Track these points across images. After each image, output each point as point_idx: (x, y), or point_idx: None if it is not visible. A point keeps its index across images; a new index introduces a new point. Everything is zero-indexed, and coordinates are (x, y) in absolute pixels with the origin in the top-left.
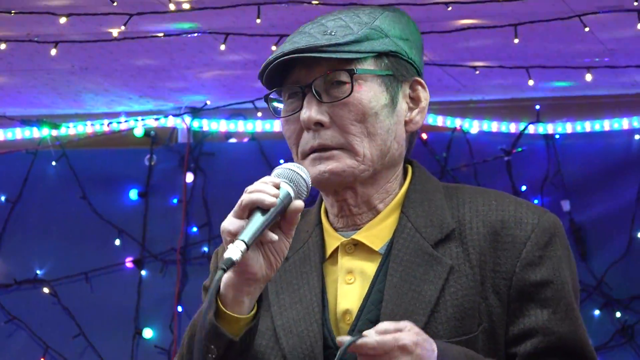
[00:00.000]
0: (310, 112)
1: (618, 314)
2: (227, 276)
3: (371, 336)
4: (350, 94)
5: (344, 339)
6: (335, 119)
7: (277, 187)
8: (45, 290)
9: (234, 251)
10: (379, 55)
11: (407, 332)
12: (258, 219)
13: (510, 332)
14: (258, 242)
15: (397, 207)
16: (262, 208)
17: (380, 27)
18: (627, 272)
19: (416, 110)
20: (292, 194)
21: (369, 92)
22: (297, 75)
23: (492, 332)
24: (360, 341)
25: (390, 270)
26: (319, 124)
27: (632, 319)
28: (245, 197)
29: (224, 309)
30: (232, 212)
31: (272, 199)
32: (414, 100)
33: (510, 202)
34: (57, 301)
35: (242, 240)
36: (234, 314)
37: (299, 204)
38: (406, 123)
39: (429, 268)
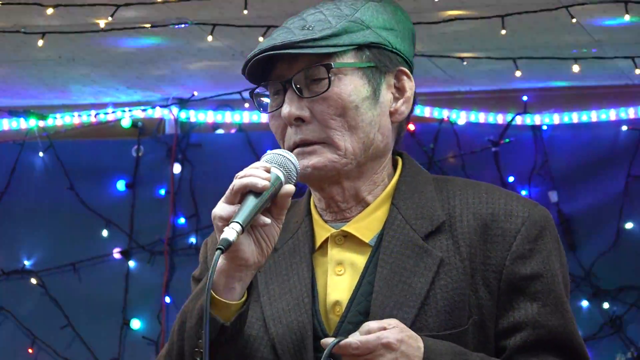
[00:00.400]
0: (290, 108)
1: (606, 305)
2: (219, 263)
3: (355, 337)
4: (328, 89)
5: (327, 340)
6: (316, 114)
7: (268, 171)
8: (33, 281)
9: (229, 232)
10: (360, 47)
11: (391, 330)
12: (251, 202)
13: (500, 325)
14: (250, 227)
15: (387, 199)
16: (255, 192)
17: (361, 19)
18: (615, 263)
19: (401, 101)
20: (283, 179)
21: (349, 86)
22: (280, 70)
23: (482, 324)
24: (343, 342)
25: (381, 262)
26: (300, 119)
27: (620, 310)
28: (237, 182)
29: (215, 295)
30: (223, 198)
31: (265, 182)
32: (399, 90)
33: (500, 195)
34: (44, 292)
35: (237, 222)
36: (226, 300)
37: (289, 188)
38: (391, 114)
39: (419, 260)
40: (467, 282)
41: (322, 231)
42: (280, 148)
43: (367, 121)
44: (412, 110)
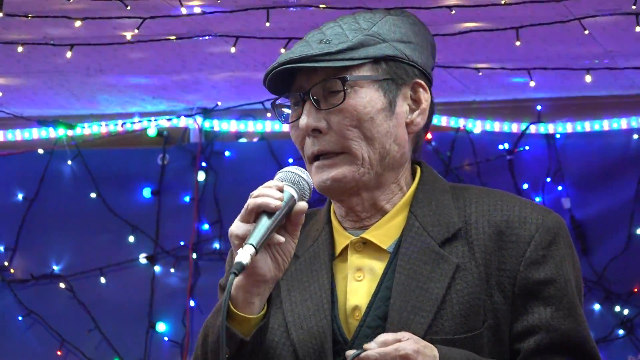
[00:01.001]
0: (308, 119)
1: (618, 308)
2: (237, 279)
3: (372, 348)
4: (343, 101)
5: (349, 353)
6: (333, 125)
7: (281, 190)
8: (62, 285)
9: (243, 255)
10: (376, 60)
11: (407, 342)
12: (264, 223)
13: (514, 329)
14: (266, 244)
15: (406, 207)
16: (268, 211)
17: (378, 32)
18: (626, 267)
19: (417, 112)
20: (296, 196)
21: (364, 98)
22: (299, 82)
23: (497, 328)
24: (363, 355)
25: (398, 268)
26: (317, 131)
27: (632, 313)
28: (251, 202)
29: (234, 310)
30: (238, 217)
31: (277, 202)
32: (415, 102)
33: (515, 203)
34: (72, 296)
35: (251, 244)
36: (245, 314)
37: (302, 205)
38: (407, 125)
39: (435, 266)
40: (482, 287)
41: (342, 238)
42: (301, 157)
43: (383, 132)
44: (429, 120)
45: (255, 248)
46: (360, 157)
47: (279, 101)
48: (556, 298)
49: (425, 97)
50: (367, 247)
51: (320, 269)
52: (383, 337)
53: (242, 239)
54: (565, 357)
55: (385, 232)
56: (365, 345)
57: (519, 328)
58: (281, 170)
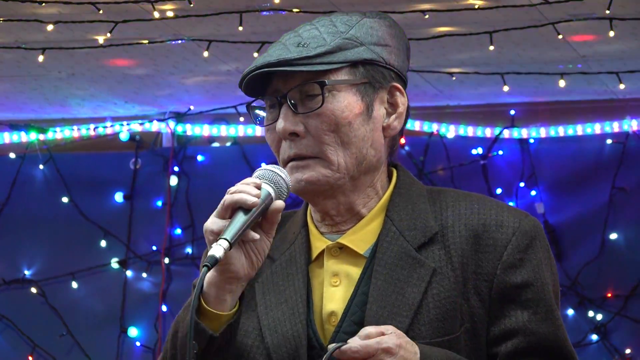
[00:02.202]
0: (285, 123)
1: (591, 313)
2: (210, 275)
3: (355, 341)
4: (322, 105)
5: (331, 346)
6: (310, 129)
7: (259, 187)
8: (33, 290)
9: (217, 249)
10: (354, 64)
11: (389, 335)
12: (240, 219)
13: (492, 333)
14: (240, 241)
15: (382, 211)
16: (244, 208)
17: (356, 36)
18: (600, 273)
19: (394, 116)
20: (273, 195)
21: (342, 102)
22: (276, 85)
23: (474, 332)
24: (344, 347)
25: (375, 273)
26: (294, 134)
27: (605, 318)
28: (228, 198)
29: (206, 306)
30: (214, 213)
31: (254, 199)
32: (392, 106)
33: (492, 206)
34: (44, 301)
35: (225, 239)
36: (216, 311)
37: (279, 204)
38: (384, 129)
39: (412, 271)
40: (459, 291)
41: (319, 243)
42: (274, 162)
43: (360, 137)
44: (405, 124)
45: (229, 242)
46: (336, 163)
47: (254, 103)
48: (533, 301)
49: (402, 100)
50: (344, 252)
51: (296, 273)
52: (367, 330)
53: (217, 235)
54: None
55: (362, 237)
56: (349, 340)
57: (496, 332)
58: (260, 168)
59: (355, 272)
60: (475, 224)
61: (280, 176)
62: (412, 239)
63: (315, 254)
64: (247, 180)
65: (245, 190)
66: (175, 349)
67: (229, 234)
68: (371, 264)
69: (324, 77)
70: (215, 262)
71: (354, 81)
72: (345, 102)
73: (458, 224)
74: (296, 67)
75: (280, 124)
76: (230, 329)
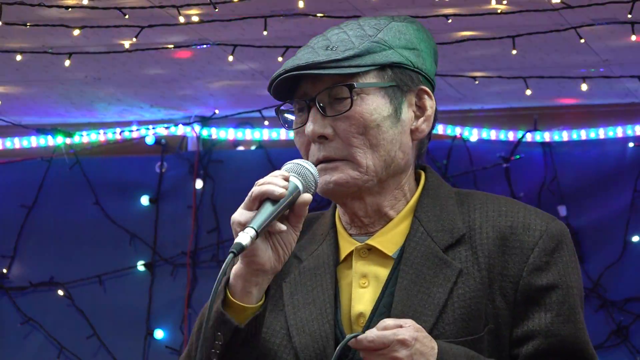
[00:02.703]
0: (314, 126)
1: (613, 315)
2: (236, 267)
3: (371, 332)
4: (350, 108)
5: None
6: (339, 132)
7: (287, 180)
8: (60, 292)
9: (243, 237)
10: (382, 67)
11: (407, 328)
12: (267, 209)
13: (514, 334)
14: (267, 233)
15: (410, 213)
16: (272, 199)
17: (384, 39)
18: (621, 275)
19: (422, 119)
20: (301, 188)
21: (371, 105)
22: (305, 88)
23: (498, 333)
24: (360, 336)
25: (401, 273)
26: (323, 137)
27: (627, 320)
28: (256, 189)
29: (232, 298)
30: (242, 205)
31: (282, 190)
32: (420, 109)
33: (519, 209)
34: (71, 303)
35: (252, 227)
36: (242, 303)
37: (307, 197)
38: (412, 132)
39: (438, 271)
40: (485, 292)
41: (347, 244)
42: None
43: (389, 139)
44: (433, 127)
45: (255, 231)
46: (364, 165)
47: (282, 107)
48: (557, 304)
49: (430, 103)
50: (372, 253)
51: (324, 274)
52: (385, 322)
53: (244, 226)
54: None
55: (390, 238)
56: (367, 332)
57: (518, 333)
58: (288, 162)
59: (384, 273)
60: (502, 226)
61: (309, 170)
62: (439, 240)
63: (343, 255)
64: (276, 172)
65: (273, 182)
66: (199, 341)
67: (256, 222)
68: (399, 265)
69: (352, 80)
70: (241, 249)
71: (383, 84)
72: (374, 105)
73: (485, 226)
74: (325, 70)
75: (309, 127)
76: (256, 321)
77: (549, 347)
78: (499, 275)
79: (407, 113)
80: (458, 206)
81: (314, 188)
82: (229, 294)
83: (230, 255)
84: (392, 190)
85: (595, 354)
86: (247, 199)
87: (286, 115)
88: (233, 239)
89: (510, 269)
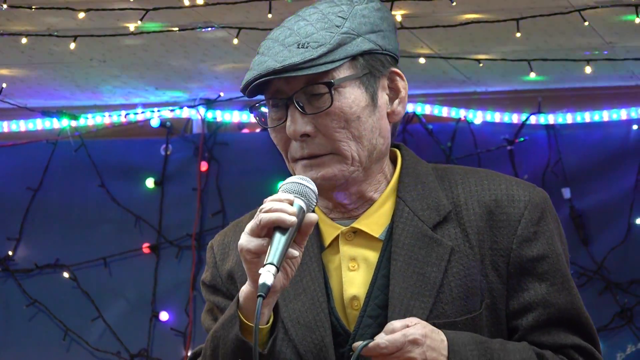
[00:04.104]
0: (295, 125)
1: (617, 297)
2: (246, 290)
3: (381, 337)
4: (331, 105)
5: (357, 344)
6: (320, 128)
7: (291, 204)
8: (65, 274)
9: (267, 277)
10: (354, 57)
11: (415, 327)
12: (281, 240)
13: (511, 307)
14: None
15: (393, 193)
16: (282, 227)
17: (352, 28)
18: (626, 257)
19: (397, 101)
20: (305, 208)
21: (349, 98)
22: (278, 85)
23: (494, 307)
24: (372, 344)
25: (394, 255)
26: (305, 135)
27: (631, 302)
28: (264, 217)
29: (246, 321)
30: (248, 231)
31: (292, 218)
32: (393, 91)
33: (501, 181)
34: (76, 285)
35: (272, 264)
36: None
37: (313, 217)
38: (388, 115)
39: (430, 250)
40: (478, 268)
41: (330, 229)
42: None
43: (369, 128)
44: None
45: (277, 267)
46: (350, 157)
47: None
48: (550, 273)
49: (402, 84)
50: (358, 236)
51: (311, 262)
52: (392, 325)
53: (255, 254)
54: (562, 329)
55: (375, 220)
56: (375, 338)
57: (515, 305)
58: (286, 182)
59: (373, 255)
60: (487, 200)
61: (309, 187)
62: (426, 218)
63: (328, 240)
64: (280, 196)
65: (282, 209)
66: None
67: (275, 258)
68: (388, 247)
69: (328, 76)
70: (268, 290)
71: (357, 75)
72: (352, 97)
73: (471, 201)
74: (302, 72)
75: (290, 127)
76: (274, 343)
77: (548, 317)
78: (490, 250)
79: (382, 98)
80: (439, 182)
81: (315, 204)
82: (242, 318)
83: (260, 299)
84: (375, 175)
85: (589, 317)
86: (254, 225)
87: (261, 109)
88: None
89: (500, 242)
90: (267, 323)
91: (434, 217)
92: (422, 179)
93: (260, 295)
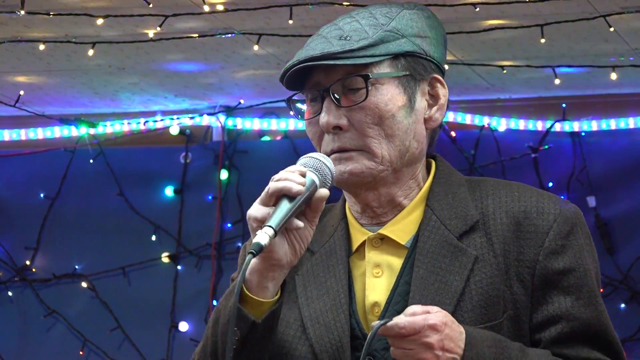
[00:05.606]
0: (328, 116)
1: None
2: (252, 262)
3: (400, 318)
4: (365, 99)
5: (375, 323)
6: (354, 122)
7: (303, 175)
8: (84, 284)
9: (262, 236)
10: (396, 56)
11: (436, 313)
12: (285, 206)
13: (535, 319)
14: (284, 229)
15: (422, 201)
16: (289, 196)
17: (397, 28)
18: None
19: (435, 108)
20: (318, 183)
21: (386, 95)
22: (317, 78)
23: (517, 319)
24: (390, 323)
25: (417, 262)
26: (338, 128)
27: None
28: (272, 185)
29: (248, 293)
30: (258, 200)
31: (299, 187)
32: (433, 98)
33: (532, 194)
34: (95, 295)
35: (270, 226)
36: (258, 298)
37: (324, 192)
38: (425, 121)
39: (454, 259)
40: (502, 278)
41: (359, 234)
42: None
43: (403, 129)
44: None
45: (274, 230)
46: (380, 156)
47: (294, 97)
48: (576, 287)
49: (443, 92)
50: (385, 243)
51: (337, 265)
52: (413, 308)
53: (261, 222)
54: (587, 345)
55: (403, 227)
56: (395, 318)
57: (539, 318)
58: (304, 156)
59: (397, 262)
60: (516, 211)
61: (326, 164)
62: (453, 227)
63: (355, 245)
64: (292, 167)
65: (290, 178)
66: (216, 336)
67: (274, 221)
68: (412, 254)
69: (367, 70)
70: (260, 249)
71: (396, 74)
72: (389, 95)
73: (499, 212)
74: (340, 61)
75: (323, 118)
76: (273, 316)
77: (571, 331)
78: (515, 260)
79: (421, 102)
80: (470, 193)
81: (330, 182)
82: (245, 290)
83: (250, 256)
84: (406, 180)
85: (617, 336)
86: (263, 194)
87: (298, 105)
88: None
89: (526, 253)
90: (273, 298)
91: (460, 226)
92: (453, 189)
93: (251, 252)
